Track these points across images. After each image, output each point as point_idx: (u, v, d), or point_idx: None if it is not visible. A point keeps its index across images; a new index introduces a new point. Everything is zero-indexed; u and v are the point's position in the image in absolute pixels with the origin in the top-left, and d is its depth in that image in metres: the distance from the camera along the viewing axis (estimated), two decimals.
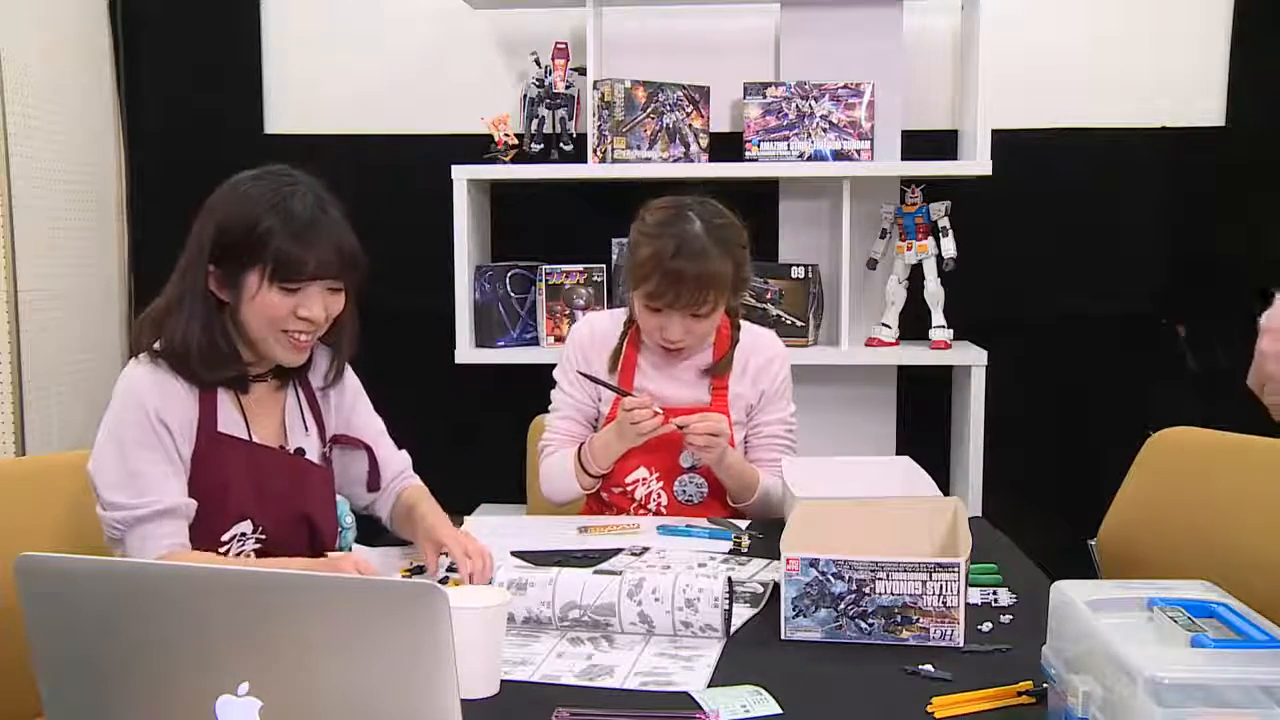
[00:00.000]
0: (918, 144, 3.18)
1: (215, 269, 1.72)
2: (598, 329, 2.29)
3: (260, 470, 1.78)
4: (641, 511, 2.21)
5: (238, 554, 1.77)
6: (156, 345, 1.72)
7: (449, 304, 3.12)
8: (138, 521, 1.66)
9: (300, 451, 1.85)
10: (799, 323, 3.11)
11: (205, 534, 1.73)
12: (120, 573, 1.08)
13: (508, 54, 3.36)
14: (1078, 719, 1.11)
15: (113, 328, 3.41)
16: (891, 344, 3.16)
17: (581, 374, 2.22)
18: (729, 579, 1.53)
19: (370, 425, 1.96)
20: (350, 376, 1.94)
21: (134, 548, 1.67)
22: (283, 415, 1.85)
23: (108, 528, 1.70)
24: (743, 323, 2.29)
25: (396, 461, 1.99)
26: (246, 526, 1.76)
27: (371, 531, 2.01)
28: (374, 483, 1.95)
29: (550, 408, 2.32)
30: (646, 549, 1.91)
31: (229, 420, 1.77)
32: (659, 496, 2.22)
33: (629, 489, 2.22)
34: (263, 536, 1.78)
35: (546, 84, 3.19)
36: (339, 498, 1.94)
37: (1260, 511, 1.90)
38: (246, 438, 1.78)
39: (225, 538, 1.75)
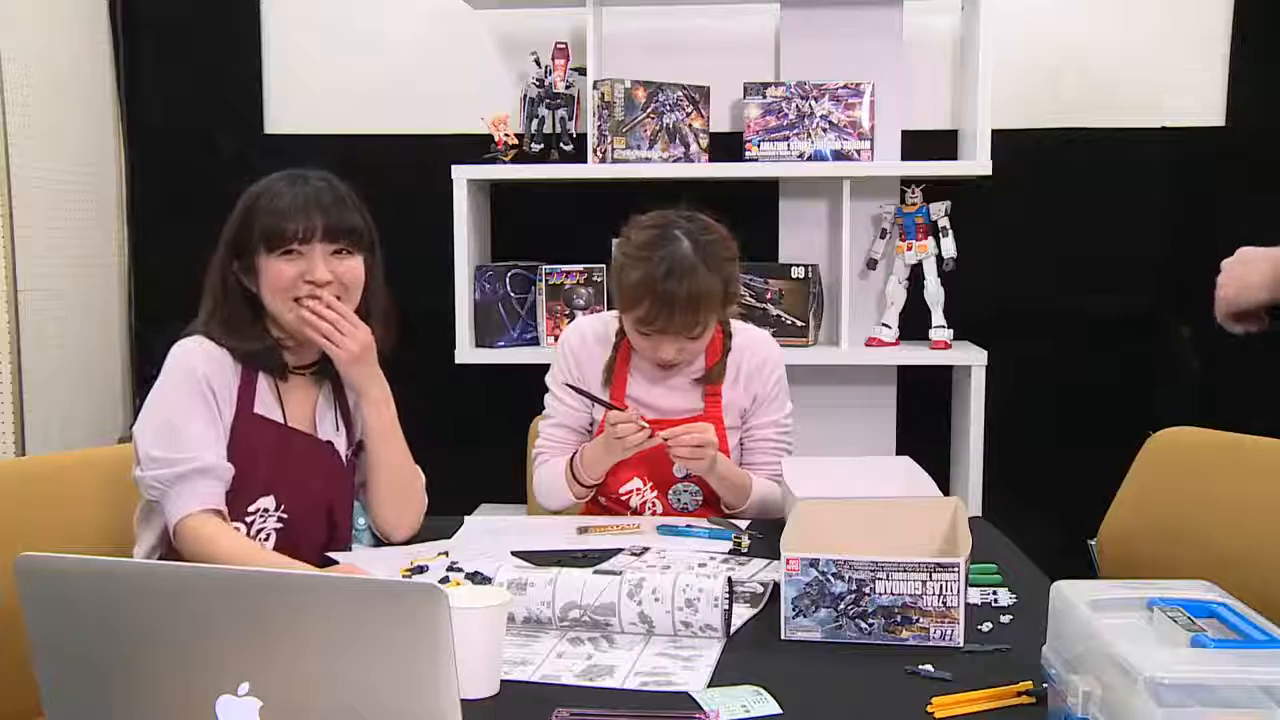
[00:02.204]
0: (918, 144, 3.17)
1: (237, 262, 1.83)
2: (588, 335, 2.27)
3: (289, 452, 1.84)
4: None
5: (259, 530, 1.82)
6: (197, 325, 1.83)
7: (449, 304, 3.12)
8: (177, 479, 1.71)
9: (329, 444, 1.90)
10: (799, 323, 3.11)
11: (231, 505, 1.77)
12: (120, 573, 1.08)
13: (508, 54, 3.36)
14: (1078, 719, 1.11)
15: (113, 328, 3.41)
16: (891, 344, 3.16)
17: (569, 386, 2.20)
18: (729, 579, 1.53)
19: None
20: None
21: (172, 506, 1.72)
22: (314, 409, 1.90)
23: (146, 489, 1.74)
24: (735, 323, 2.27)
25: None
26: (269, 503, 1.81)
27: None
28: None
29: (543, 413, 2.31)
30: (646, 549, 1.91)
31: (265, 404, 1.84)
32: (654, 506, 2.21)
33: (624, 498, 2.22)
34: (284, 515, 1.82)
35: (546, 84, 3.19)
36: (356, 502, 1.96)
37: (1260, 511, 1.90)
38: (281, 421, 1.85)
39: (251, 509, 1.80)
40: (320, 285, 1.79)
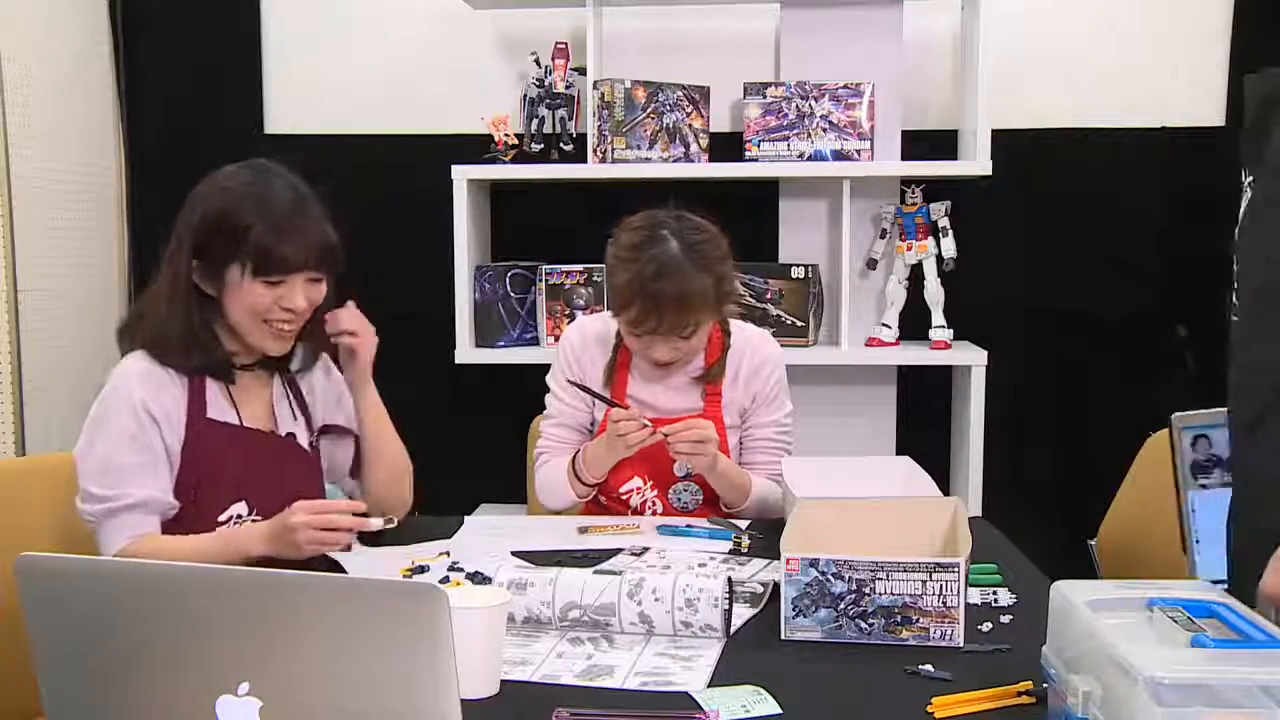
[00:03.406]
0: (918, 144, 3.17)
1: (198, 262, 1.77)
2: (589, 334, 2.27)
3: (251, 452, 1.82)
4: None
5: None
6: (143, 338, 1.79)
7: (449, 304, 3.12)
8: (108, 515, 1.71)
9: (291, 436, 1.89)
10: (799, 323, 3.11)
11: (203, 516, 1.77)
12: (120, 573, 1.08)
13: (508, 54, 3.36)
14: (1078, 719, 1.11)
15: (112, 328, 3.37)
16: (891, 344, 3.16)
17: (572, 383, 2.20)
18: (729, 579, 1.53)
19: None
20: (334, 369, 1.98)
21: (106, 540, 1.72)
22: (271, 403, 1.89)
23: (84, 521, 1.74)
24: (735, 322, 2.27)
25: None
26: (242, 508, 1.80)
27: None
28: (357, 469, 1.99)
29: (544, 413, 2.31)
30: (646, 549, 1.91)
31: (219, 408, 1.82)
32: (654, 505, 2.21)
33: (624, 497, 2.22)
34: (257, 518, 1.81)
35: (546, 84, 3.19)
36: (330, 486, 1.96)
37: None
38: (236, 423, 1.82)
39: (222, 518, 1.78)
40: (296, 313, 1.78)
